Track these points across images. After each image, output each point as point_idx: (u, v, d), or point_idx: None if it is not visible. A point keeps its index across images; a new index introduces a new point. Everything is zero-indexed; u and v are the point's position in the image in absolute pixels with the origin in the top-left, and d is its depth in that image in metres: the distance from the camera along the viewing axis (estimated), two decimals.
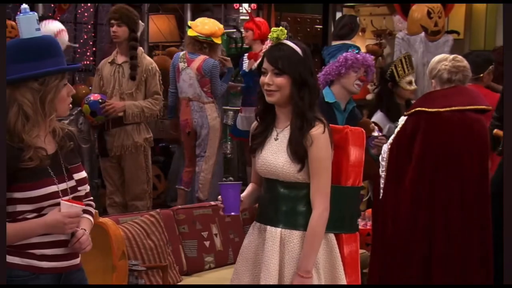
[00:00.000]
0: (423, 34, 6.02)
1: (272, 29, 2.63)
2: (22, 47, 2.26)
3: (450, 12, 6.35)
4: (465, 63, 3.61)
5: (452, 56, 3.65)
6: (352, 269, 2.68)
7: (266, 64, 2.57)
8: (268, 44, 2.63)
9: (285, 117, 2.60)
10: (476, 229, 3.45)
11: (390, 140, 3.60)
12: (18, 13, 2.32)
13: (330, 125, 2.62)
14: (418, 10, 6.02)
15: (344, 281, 2.61)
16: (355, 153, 2.67)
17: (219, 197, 2.61)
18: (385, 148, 3.60)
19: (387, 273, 3.50)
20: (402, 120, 3.61)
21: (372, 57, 3.84)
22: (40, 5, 6.74)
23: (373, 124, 3.93)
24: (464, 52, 5.46)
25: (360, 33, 7.33)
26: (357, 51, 3.77)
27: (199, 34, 5.53)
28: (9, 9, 7.11)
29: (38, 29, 2.30)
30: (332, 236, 2.63)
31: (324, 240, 2.60)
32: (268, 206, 2.62)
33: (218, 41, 5.59)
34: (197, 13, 7.54)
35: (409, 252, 3.45)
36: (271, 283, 2.53)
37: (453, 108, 3.47)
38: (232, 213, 2.60)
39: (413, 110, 3.54)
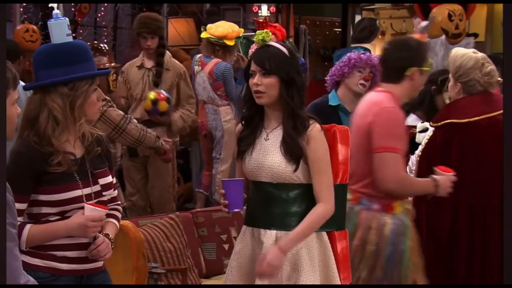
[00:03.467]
0: (443, 37, 5.98)
1: (257, 32, 2.64)
2: (53, 53, 2.29)
3: (472, 15, 6.29)
4: (496, 76, 3.47)
5: (487, 67, 3.41)
6: (344, 265, 2.69)
7: (253, 66, 2.57)
8: (253, 47, 2.63)
9: (276, 118, 2.60)
10: None
11: (418, 151, 3.54)
12: (50, 18, 2.35)
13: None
14: (439, 13, 5.98)
15: (337, 279, 2.62)
16: (342, 151, 2.68)
17: (221, 191, 2.59)
18: (413, 159, 3.55)
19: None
20: (430, 131, 3.55)
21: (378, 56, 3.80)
22: (61, 9, 6.79)
23: None
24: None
25: (379, 36, 7.31)
26: (363, 51, 3.71)
27: (211, 36, 5.52)
28: (31, 13, 7.18)
29: (69, 34, 2.33)
30: (324, 234, 2.63)
31: (317, 239, 2.60)
32: (259, 209, 2.61)
33: (230, 43, 5.56)
34: (209, 17, 7.57)
35: (452, 262, 3.41)
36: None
37: (483, 116, 3.41)
38: (236, 210, 2.59)
39: (443, 122, 3.47)
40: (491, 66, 3.45)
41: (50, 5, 6.99)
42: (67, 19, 2.36)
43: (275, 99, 2.56)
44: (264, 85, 2.54)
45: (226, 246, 4.17)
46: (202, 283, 3.97)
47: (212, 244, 4.16)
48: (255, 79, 2.55)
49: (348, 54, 3.66)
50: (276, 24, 6.42)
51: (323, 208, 2.55)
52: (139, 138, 4.14)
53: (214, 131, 5.62)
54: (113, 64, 4.15)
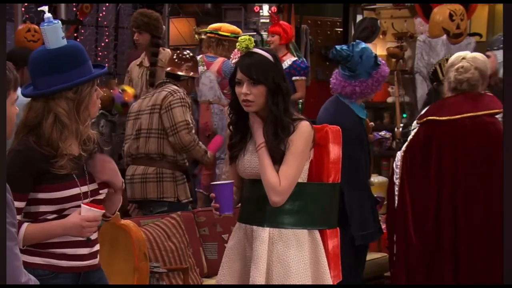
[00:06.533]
0: (444, 36, 5.97)
1: (240, 38, 2.64)
2: (52, 59, 2.29)
3: (473, 14, 6.29)
4: (469, 73, 3.50)
5: (460, 64, 3.49)
6: (335, 263, 2.71)
7: (240, 75, 2.58)
8: (237, 54, 2.65)
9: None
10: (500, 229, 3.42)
11: (404, 148, 3.59)
12: (42, 22, 2.33)
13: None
14: (440, 13, 5.97)
15: (328, 277, 2.64)
16: (334, 151, 2.70)
17: (212, 194, 2.61)
18: (399, 155, 3.60)
19: (416, 280, 3.47)
20: (415, 127, 3.60)
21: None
22: (63, 9, 6.79)
23: (372, 123, 3.93)
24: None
25: (381, 36, 7.30)
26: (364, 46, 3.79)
27: (207, 29, 5.56)
28: (33, 13, 7.18)
29: (64, 37, 2.32)
30: (317, 232, 2.65)
31: (309, 237, 2.62)
32: (253, 206, 2.64)
33: (224, 33, 5.52)
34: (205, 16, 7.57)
35: (437, 255, 3.43)
36: (260, 282, 2.53)
37: (464, 115, 3.45)
38: (226, 213, 2.61)
39: (425, 119, 3.52)
40: (466, 64, 3.49)
41: (39, 8, 6.98)
42: (59, 21, 2.34)
43: (263, 106, 2.59)
44: (253, 94, 2.57)
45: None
46: (204, 283, 3.98)
47: (214, 243, 4.17)
48: (244, 89, 2.57)
49: (381, 72, 3.72)
50: (286, 25, 6.39)
51: (277, 181, 2.53)
52: (187, 146, 4.32)
53: (220, 131, 5.62)
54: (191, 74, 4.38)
